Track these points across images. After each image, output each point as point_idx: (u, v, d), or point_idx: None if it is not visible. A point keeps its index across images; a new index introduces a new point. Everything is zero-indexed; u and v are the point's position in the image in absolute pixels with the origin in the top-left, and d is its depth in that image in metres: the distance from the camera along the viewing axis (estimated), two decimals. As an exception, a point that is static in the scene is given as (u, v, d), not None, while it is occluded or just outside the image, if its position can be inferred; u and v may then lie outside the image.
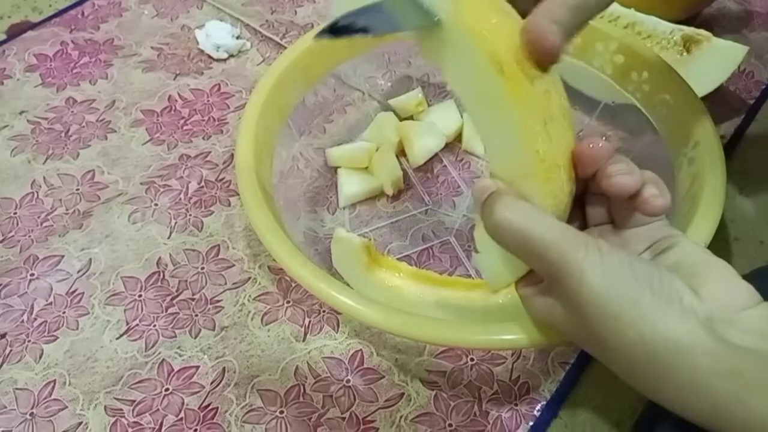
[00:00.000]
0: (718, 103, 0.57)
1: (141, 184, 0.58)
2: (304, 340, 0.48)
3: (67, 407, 0.46)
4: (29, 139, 0.62)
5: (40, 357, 0.48)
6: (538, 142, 0.31)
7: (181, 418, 0.45)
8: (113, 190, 0.58)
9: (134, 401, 0.46)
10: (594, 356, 0.33)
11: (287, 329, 0.49)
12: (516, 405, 0.45)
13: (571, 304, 0.30)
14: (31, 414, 0.45)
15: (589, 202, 0.36)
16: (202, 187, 0.58)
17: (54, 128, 0.63)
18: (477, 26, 0.31)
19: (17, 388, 0.46)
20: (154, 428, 0.44)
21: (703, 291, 0.30)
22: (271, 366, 0.47)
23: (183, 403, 0.46)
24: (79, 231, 0.55)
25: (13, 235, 0.55)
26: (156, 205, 0.57)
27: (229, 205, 0.57)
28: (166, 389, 0.46)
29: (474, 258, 0.42)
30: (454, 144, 0.61)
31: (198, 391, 0.46)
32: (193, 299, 0.51)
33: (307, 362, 0.47)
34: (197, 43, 0.70)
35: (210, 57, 0.70)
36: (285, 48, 0.68)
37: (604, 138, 0.60)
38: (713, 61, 0.60)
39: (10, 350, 0.48)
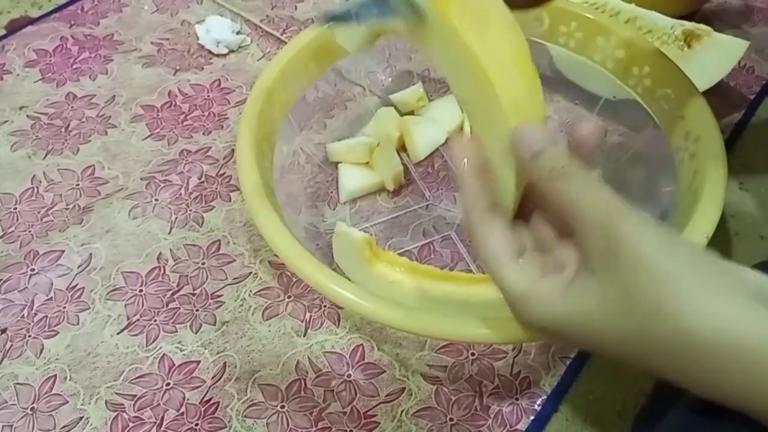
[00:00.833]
0: (718, 98, 0.57)
1: (141, 179, 0.58)
2: (305, 335, 0.48)
3: (68, 402, 0.46)
4: (29, 134, 0.62)
5: (41, 352, 0.48)
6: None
7: (182, 413, 0.45)
8: (113, 186, 0.58)
9: (135, 396, 0.46)
10: (619, 351, 0.29)
11: (288, 324, 0.49)
12: (517, 399, 0.45)
13: (619, 271, 0.27)
14: (32, 409, 0.45)
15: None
16: (203, 182, 0.58)
17: (54, 123, 0.63)
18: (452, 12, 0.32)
19: (18, 383, 0.46)
20: (155, 423, 0.44)
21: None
22: (272, 361, 0.47)
23: (184, 398, 0.46)
24: (79, 226, 0.55)
25: (13, 231, 0.55)
26: (156, 200, 0.57)
27: (230, 200, 0.57)
28: (167, 384, 0.46)
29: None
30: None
31: (199, 386, 0.46)
32: (193, 294, 0.51)
33: (308, 357, 0.47)
34: (197, 38, 0.70)
35: (210, 52, 0.70)
36: (285, 43, 0.68)
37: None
38: (714, 56, 0.60)
39: (11, 345, 0.48)
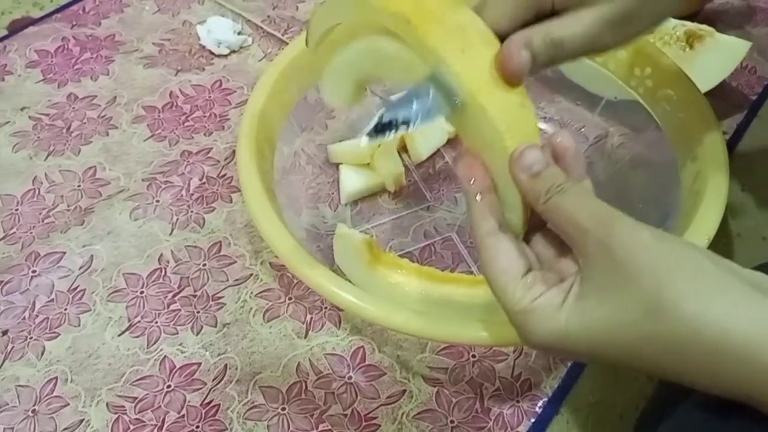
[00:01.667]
0: (720, 98, 0.56)
1: (142, 180, 0.58)
2: (305, 337, 0.48)
3: (69, 404, 0.46)
4: (31, 135, 0.62)
5: (42, 354, 0.48)
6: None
7: (183, 415, 0.45)
8: (115, 187, 0.58)
9: (136, 398, 0.46)
10: (620, 356, 0.29)
11: (289, 326, 0.49)
12: (518, 401, 0.45)
13: (616, 274, 0.28)
14: (33, 411, 0.45)
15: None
16: (204, 183, 0.58)
17: (55, 124, 0.63)
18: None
19: (19, 385, 0.47)
20: (155, 425, 0.44)
21: None
22: (272, 363, 0.47)
23: (185, 400, 0.46)
24: (80, 227, 0.55)
25: (14, 232, 0.55)
26: (157, 201, 0.57)
27: (231, 201, 0.57)
28: (168, 386, 0.46)
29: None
30: (456, 140, 0.61)
31: (200, 388, 0.46)
32: (194, 296, 0.51)
33: (309, 359, 0.47)
34: (199, 38, 0.70)
35: (211, 53, 0.69)
36: (286, 44, 0.68)
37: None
38: (716, 57, 0.60)
39: (12, 347, 0.48)
